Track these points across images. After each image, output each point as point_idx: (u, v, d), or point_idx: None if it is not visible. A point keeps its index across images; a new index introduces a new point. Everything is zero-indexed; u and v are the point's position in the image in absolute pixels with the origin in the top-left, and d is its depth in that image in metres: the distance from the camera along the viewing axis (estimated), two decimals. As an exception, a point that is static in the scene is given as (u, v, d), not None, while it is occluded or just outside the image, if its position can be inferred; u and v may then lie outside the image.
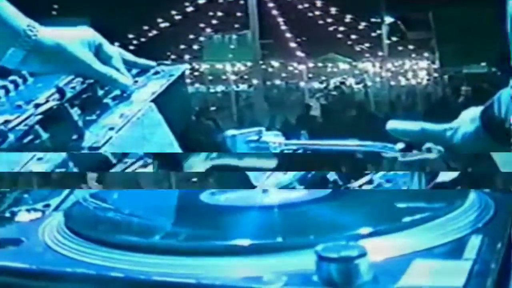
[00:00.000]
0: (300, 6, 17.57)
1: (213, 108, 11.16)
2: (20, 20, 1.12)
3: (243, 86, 16.62)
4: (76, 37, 1.16)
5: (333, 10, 17.66)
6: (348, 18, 17.79)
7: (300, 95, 14.63)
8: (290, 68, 18.61)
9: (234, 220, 0.77)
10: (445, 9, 13.40)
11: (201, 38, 15.52)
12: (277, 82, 18.21)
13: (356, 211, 0.74)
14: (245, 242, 0.64)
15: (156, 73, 1.30)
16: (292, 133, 1.14)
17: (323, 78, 17.86)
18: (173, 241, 0.68)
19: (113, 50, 1.22)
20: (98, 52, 1.20)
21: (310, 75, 17.92)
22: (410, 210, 0.72)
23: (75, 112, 1.18)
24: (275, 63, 17.83)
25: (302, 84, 16.26)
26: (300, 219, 0.75)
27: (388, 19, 15.90)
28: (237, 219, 0.77)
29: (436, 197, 0.79)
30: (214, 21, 14.53)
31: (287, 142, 1.09)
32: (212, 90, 15.76)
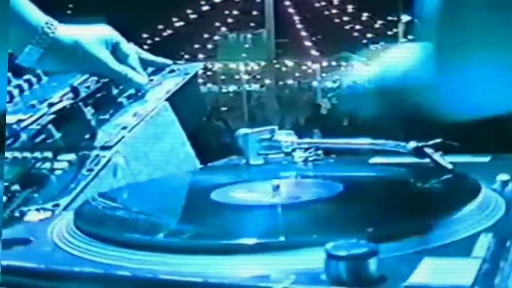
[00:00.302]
0: (317, 4, 17.52)
1: (224, 108, 11.18)
2: (38, 17, 1.12)
3: (255, 86, 16.61)
4: (94, 35, 1.16)
5: (350, 8, 17.60)
6: (364, 16, 17.72)
7: (312, 95, 14.62)
8: (304, 67, 18.60)
9: (242, 218, 0.76)
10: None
11: (216, 37, 15.54)
12: (290, 81, 18.20)
13: (367, 209, 0.74)
14: (252, 240, 0.63)
15: (172, 71, 1.31)
16: (303, 132, 1.14)
17: (336, 77, 17.80)
18: (180, 240, 0.67)
19: (130, 48, 1.22)
20: (115, 50, 1.20)
21: (324, 75, 17.89)
22: (420, 208, 0.72)
23: (88, 111, 1.18)
24: (289, 63, 17.83)
25: (314, 83, 16.26)
26: (309, 217, 0.74)
27: (405, 18, 15.79)
28: (245, 217, 0.77)
29: (445, 195, 0.78)
30: (229, 20, 14.52)
31: (299, 141, 1.09)
32: (224, 90, 15.77)
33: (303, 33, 18.23)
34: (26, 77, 1.43)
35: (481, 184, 0.77)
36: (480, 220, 0.65)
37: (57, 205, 1.01)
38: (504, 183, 0.78)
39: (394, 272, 0.53)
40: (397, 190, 0.85)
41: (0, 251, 0.71)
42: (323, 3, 17.79)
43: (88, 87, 1.28)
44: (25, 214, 0.99)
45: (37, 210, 1.00)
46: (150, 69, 1.30)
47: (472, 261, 0.54)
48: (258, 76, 16.68)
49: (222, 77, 15.81)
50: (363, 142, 1.02)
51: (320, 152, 1.10)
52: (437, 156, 0.92)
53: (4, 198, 1.04)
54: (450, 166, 0.90)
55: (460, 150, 0.99)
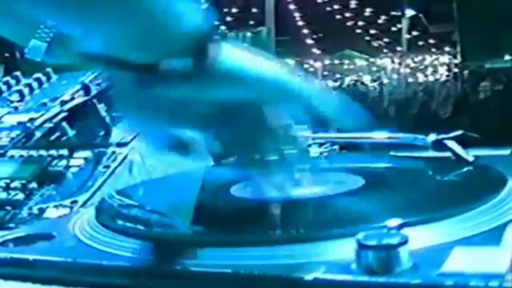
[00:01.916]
0: (319, 0, 17.46)
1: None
2: None
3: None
4: None
5: (352, 3, 17.55)
6: (367, 11, 17.68)
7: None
8: (306, 66, 18.55)
9: (268, 212, 0.76)
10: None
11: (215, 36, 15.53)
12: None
13: (394, 201, 0.74)
14: (280, 232, 0.63)
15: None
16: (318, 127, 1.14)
17: (338, 75, 17.83)
18: (207, 234, 0.68)
19: None
20: None
21: (326, 73, 17.87)
22: (448, 199, 0.72)
23: (102, 108, 1.18)
24: (290, 61, 17.81)
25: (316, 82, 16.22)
26: (336, 210, 0.74)
27: (410, 12, 15.71)
28: (271, 211, 0.77)
29: (473, 186, 0.78)
30: (228, 18, 14.47)
31: (315, 135, 1.09)
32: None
33: (305, 31, 18.19)
34: (35, 76, 1.43)
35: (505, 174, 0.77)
36: (507, 210, 0.65)
37: (75, 202, 1.01)
38: None
39: (426, 261, 0.53)
40: (424, 181, 0.85)
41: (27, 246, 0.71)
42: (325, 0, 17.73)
43: (99, 84, 1.28)
44: (44, 211, 0.99)
45: (56, 207, 1.00)
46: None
47: (503, 249, 0.54)
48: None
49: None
50: (380, 135, 1.02)
51: (336, 147, 1.10)
52: (458, 148, 0.92)
53: (22, 196, 1.05)
54: (471, 159, 0.90)
55: (480, 143, 0.99)
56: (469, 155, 0.91)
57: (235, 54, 0.69)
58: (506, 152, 0.99)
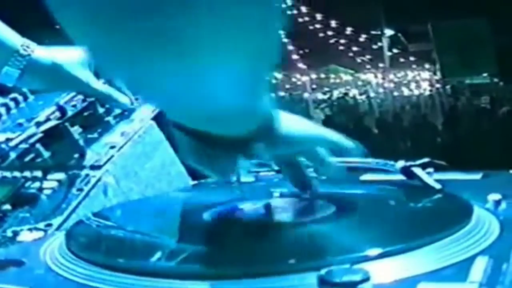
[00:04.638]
0: (300, 20, 17.62)
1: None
2: (14, 39, 1.13)
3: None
4: (74, 56, 1.17)
5: (333, 23, 17.73)
6: (348, 30, 17.85)
7: (304, 106, 14.66)
8: (293, 79, 18.63)
9: (233, 240, 0.76)
10: (444, 21, 13.44)
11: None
12: (281, 93, 18.24)
13: (360, 231, 0.74)
14: (241, 267, 0.63)
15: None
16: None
17: (326, 89, 17.90)
18: (172, 265, 0.67)
19: None
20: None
21: (314, 86, 17.95)
22: (415, 230, 0.71)
23: (75, 131, 1.18)
24: (278, 75, 17.87)
25: (306, 95, 16.28)
26: (302, 239, 0.74)
27: (389, 32, 15.97)
28: (237, 239, 0.76)
29: (440, 216, 0.78)
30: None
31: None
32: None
33: (290, 47, 18.28)
34: (12, 95, 1.43)
35: (473, 204, 0.77)
36: (474, 242, 0.65)
37: (49, 225, 1.01)
38: (497, 203, 0.78)
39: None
40: (390, 210, 0.84)
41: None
42: (306, 18, 17.91)
43: (74, 105, 1.28)
44: (17, 234, 0.99)
45: (30, 230, 0.99)
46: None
47: (469, 286, 0.54)
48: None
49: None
50: (352, 160, 1.02)
51: (311, 169, 1.10)
52: (425, 177, 0.92)
53: (-4, 217, 1.04)
54: (439, 187, 0.90)
55: (450, 168, 0.99)
56: (436, 183, 0.90)
57: (288, 119, 0.81)
58: (477, 176, 0.99)
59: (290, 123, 0.81)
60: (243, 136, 0.73)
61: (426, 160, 0.95)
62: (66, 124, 1.19)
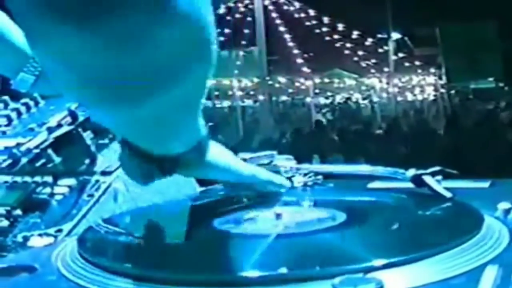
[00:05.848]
0: (307, 23, 17.62)
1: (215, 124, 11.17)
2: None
3: (248, 102, 16.64)
4: None
5: (340, 26, 17.72)
6: (355, 34, 17.83)
7: (306, 111, 14.66)
8: (297, 84, 18.62)
9: (244, 249, 0.76)
10: (451, 25, 13.44)
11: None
12: (284, 97, 18.26)
13: (371, 240, 0.74)
14: (255, 273, 0.63)
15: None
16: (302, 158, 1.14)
17: (329, 93, 17.90)
18: (182, 274, 0.67)
19: None
20: None
21: (317, 91, 17.93)
22: (426, 239, 0.72)
23: (87, 136, 1.18)
24: (282, 79, 17.88)
25: (308, 99, 16.27)
26: (313, 249, 0.74)
27: (395, 35, 15.96)
28: (248, 248, 0.77)
29: (450, 225, 0.78)
30: (221, 38, 14.53)
31: (298, 166, 1.09)
32: (218, 106, 15.77)
33: (295, 51, 18.27)
34: (23, 100, 1.43)
35: (482, 212, 0.77)
36: (485, 251, 0.66)
37: (60, 231, 1.01)
38: (506, 211, 0.78)
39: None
40: (399, 219, 0.85)
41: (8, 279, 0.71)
42: (314, 22, 17.89)
43: (85, 110, 1.28)
44: (28, 239, 0.99)
45: (40, 235, 1.00)
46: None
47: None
48: (251, 92, 16.73)
49: (216, 93, 15.83)
50: (362, 168, 1.02)
51: (319, 176, 1.10)
52: (435, 185, 0.92)
53: (7, 223, 1.05)
54: (449, 195, 0.90)
55: (459, 177, 0.99)
56: (446, 191, 0.90)
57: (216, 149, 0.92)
58: (485, 184, 1.00)
59: (218, 153, 0.93)
60: (173, 154, 0.84)
61: (437, 168, 0.95)
62: (79, 129, 1.20)
